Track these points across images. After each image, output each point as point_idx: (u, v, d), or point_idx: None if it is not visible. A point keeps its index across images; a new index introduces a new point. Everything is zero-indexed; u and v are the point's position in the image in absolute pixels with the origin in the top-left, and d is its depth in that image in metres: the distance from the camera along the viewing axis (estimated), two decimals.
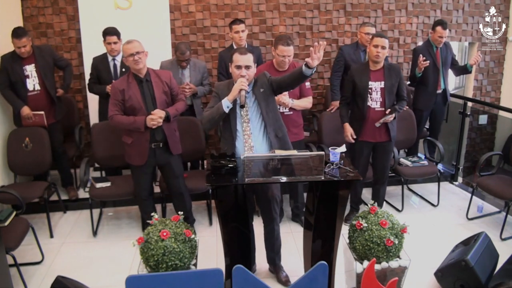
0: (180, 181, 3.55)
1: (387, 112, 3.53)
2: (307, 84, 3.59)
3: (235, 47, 4.20)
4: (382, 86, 3.54)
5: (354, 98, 3.64)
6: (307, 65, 2.56)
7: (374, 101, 3.56)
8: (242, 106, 2.66)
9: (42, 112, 3.99)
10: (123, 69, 4.02)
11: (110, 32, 3.93)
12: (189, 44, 4.45)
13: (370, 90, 3.54)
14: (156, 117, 3.18)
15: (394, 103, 3.60)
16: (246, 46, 4.21)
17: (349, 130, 3.62)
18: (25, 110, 3.92)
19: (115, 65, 4.04)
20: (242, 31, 4.13)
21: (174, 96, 3.39)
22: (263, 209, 2.97)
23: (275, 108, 2.88)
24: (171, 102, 3.37)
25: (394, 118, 3.58)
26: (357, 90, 3.57)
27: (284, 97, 3.40)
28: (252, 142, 2.77)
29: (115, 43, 3.94)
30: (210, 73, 5.05)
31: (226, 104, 2.68)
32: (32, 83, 3.97)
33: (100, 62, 4.06)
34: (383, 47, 3.42)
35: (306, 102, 3.60)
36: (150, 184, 3.53)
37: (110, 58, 4.04)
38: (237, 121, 2.76)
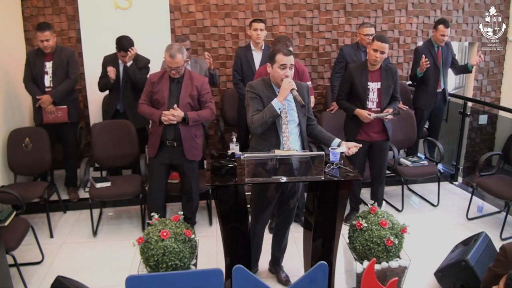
0: (193, 184, 3.58)
1: (388, 111, 3.52)
2: (309, 83, 3.59)
3: (252, 46, 4.24)
4: (379, 86, 3.55)
5: (351, 97, 3.64)
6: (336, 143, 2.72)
7: (371, 101, 3.56)
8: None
9: (65, 106, 4.04)
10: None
11: (125, 49, 3.93)
12: (187, 36, 4.44)
13: (367, 91, 3.54)
14: (169, 113, 3.25)
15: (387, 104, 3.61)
16: (263, 46, 4.24)
17: (364, 111, 3.52)
18: (46, 100, 3.93)
19: (125, 67, 4.04)
20: (261, 30, 4.17)
21: (202, 102, 3.42)
22: (284, 206, 2.93)
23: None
24: (197, 106, 3.41)
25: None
26: (356, 90, 3.57)
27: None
28: (290, 144, 2.73)
29: (123, 56, 3.97)
30: None
31: (278, 106, 2.62)
32: (49, 79, 4.02)
33: (111, 61, 4.08)
34: (382, 52, 3.42)
35: None
36: (163, 182, 3.54)
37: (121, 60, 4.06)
38: (281, 123, 2.72)
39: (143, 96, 3.43)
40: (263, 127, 2.66)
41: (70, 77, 4.08)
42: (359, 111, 3.55)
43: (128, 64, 3.99)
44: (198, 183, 3.63)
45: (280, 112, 2.66)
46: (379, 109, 3.57)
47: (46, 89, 4.01)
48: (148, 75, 3.89)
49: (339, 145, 2.72)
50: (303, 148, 2.80)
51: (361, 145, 2.73)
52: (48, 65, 4.00)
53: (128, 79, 4.05)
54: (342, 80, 3.76)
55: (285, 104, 2.70)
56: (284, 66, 2.64)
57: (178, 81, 3.35)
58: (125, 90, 4.11)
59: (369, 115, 3.50)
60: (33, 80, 4.00)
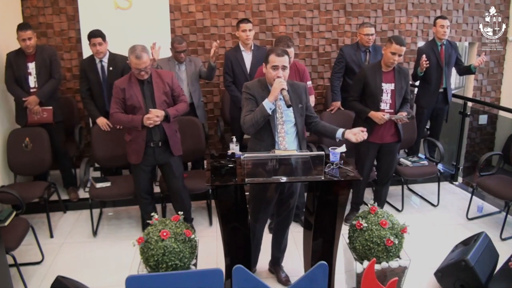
0: (180, 181, 3.55)
1: (403, 114, 3.51)
2: (309, 83, 3.58)
3: (241, 47, 4.21)
4: (393, 88, 3.53)
5: (364, 99, 3.61)
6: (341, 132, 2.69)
7: (384, 102, 3.54)
8: (289, 106, 2.61)
9: (51, 107, 4.03)
10: (110, 68, 4.03)
11: (94, 35, 3.92)
12: (183, 36, 4.46)
13: (381, 92, 3.52)
14: (153, 116, 3.19)
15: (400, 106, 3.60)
16: (252, 46, 4.22)
17: (379, 113, 3.50)
18: (33, 101, 3.90)
19: (102, 67, 4.04)
20: (250, 30, 4.13)
21: (175, 97, 3.39)
22: (282, 206, 2.94)
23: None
24: (172, 102, 3.38)
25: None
26: (369, 91, 3.54)
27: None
28: (286, 144, 2.73)
29: (100, 44, 3.93)
30: None
31: (268, 106, 2.61)
32: (34, 80, 3.99)
33: (87, 64, 4.07)
34: (400, 55, 3.41)
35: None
36: (150, 183, 3.54)
37: (97, 60, 4.04)
38: (275, 123, 2.72)
39: (114, 105, 3.28)
40: (254, 127, 2.66)
41: (55, 77, 4.06)
42: (374, 114, 3.52)
43: (104, 59, 3.99)
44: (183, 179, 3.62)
45: (273, 112, 2.66)
46: (392, 111, 3.55)
47: (31, 90, 3.98)
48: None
49: (343, 135, 2.70)
50: (300, 148, 2.79)
51: (365, 129, 2.68)
52: (31, 66, 3.97)
53: (112, 81, 4.03)
54: (355, 80, 3.71)
55: (280, 104, 2.70)
56: (276, 67, 2.64)
57: (148, 82, 3.29)
58: (109, 92, 4.07)
59: (384, 115, 3.48)
60: (16, 81, 3.96)
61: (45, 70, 4.02)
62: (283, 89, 2.59)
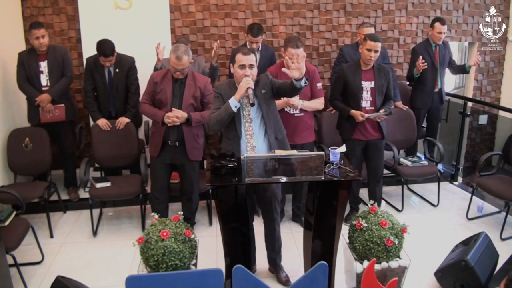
0: (194, 184, 3.58)
1: (381, 111, 3.54)
2: (319, 84, 3.60)
3: (248, 45, 4.22)
4: (372, 85, 3.57)
5: (345, 97, 3.66)
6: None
7: (365, 100, 3.59)
8: (252, 104, 2.64)
9: (63, 105, 4.05)
10: (117, 69, 4.04)
11: (106, 55, 3.84)
12: (188, 37, 4.45)
13: (361, 90, 3.56)
14: (173, 115, 3.25)
15: (382, 104, 3.64)
16: (260, 47, 4.22)
17: (358, 112, 3.54)
18: (45, 99, 3.92)
19: (109, 70, 4.04)
20: (257, 42, 4.12)
21: (204, 103, 3.43)
22: (264, 208, 2.98)
23: (275, 110, 2.90)
24: (199, 107, 3.42)
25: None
26: (350, 89, 3.59)
27: (294, 98, 3.38)
28: (254, 142, 2.79)
29: (110, 61, 3.93)
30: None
31: (234, 103, 2.67)
32: (46, 78, 4.01)
33: (93, 63, 4.06)
34: (376, 51, 3.45)
35: (317, 103, 3.59)
36: (165, 181, 3.55)
37: None
38: (241, 121, 2.77)
39: (145, 96, 3.43)
40: (219, 124, 2.72)
41: (67, 75, 4.08)
42: (354, 112, 3.57)
43: (111, 68, 4.00)
44: (199, 183, 3.63)
45: (239, 110, 2.71)
46: (373, 108, 3.59)
47: (43, 88, 4.00)
48: (150, 74, 3.82)
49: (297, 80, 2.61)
50: (270, 147, 2.79)
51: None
52: (43, 65, 3.99)
53: (117, 83, 4.05)
54: (336, 80, 3.77)
55: (247, 102, 2.73)
56: (243, 66, 2.69)
57: (181, 82, 3.35)
58: (115, 94, 4.10)
59: (362, 116, 3.52)
60: (28, 80, 3.97)
61: (57, 69, 4.03)
62: (248, 87, 2.63)
